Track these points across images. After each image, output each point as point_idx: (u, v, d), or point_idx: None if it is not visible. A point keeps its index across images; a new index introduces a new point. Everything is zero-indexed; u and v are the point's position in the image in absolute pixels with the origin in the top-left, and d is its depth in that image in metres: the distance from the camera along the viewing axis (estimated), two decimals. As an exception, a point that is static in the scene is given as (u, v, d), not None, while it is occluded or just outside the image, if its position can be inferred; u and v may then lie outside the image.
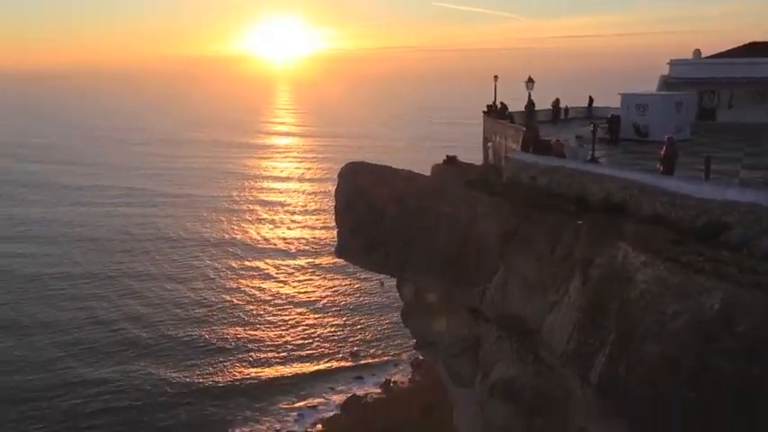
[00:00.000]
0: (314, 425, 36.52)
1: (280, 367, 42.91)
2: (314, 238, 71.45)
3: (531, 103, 37.29)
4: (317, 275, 59.59)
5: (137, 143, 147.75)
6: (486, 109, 41.57)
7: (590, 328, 16.01)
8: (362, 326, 49.09)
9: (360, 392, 39.43)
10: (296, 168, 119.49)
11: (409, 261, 25.26)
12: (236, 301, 53.32)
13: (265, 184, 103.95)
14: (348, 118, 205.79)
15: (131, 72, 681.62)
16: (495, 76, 41.21)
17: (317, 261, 63.19)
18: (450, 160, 33.59)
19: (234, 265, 62.44)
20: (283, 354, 44.68)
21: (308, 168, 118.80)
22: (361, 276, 55.55)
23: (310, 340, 46.69)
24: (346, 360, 44.05)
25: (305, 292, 55.75)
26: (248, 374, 41.82)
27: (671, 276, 14.27)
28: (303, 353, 44.88)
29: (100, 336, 46.38)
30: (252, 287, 56.74)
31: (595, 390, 15.20)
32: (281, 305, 52.88)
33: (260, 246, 69.10)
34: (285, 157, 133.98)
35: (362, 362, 43.84)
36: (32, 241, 68.85)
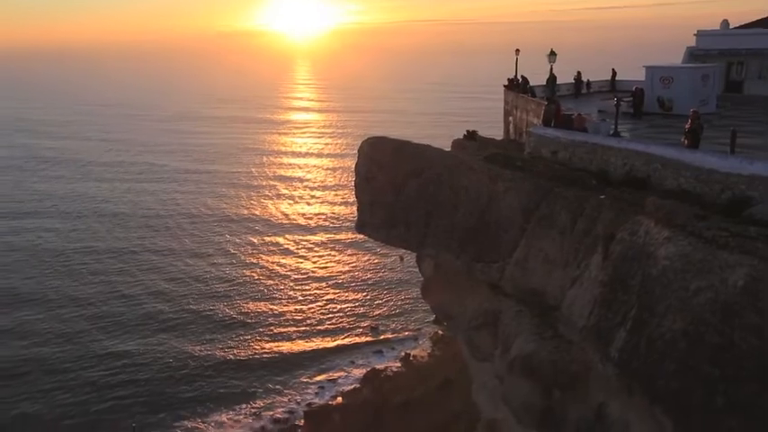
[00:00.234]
0: (334, 397, 36.94)
1: (300, 341, 43.33)
2: (333, 213, 71.63)
3: (552, 77, 36.74)
4: (337, 251, 59.82)
5: (155, 120, 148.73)
6: (507, 83, 41.10)
7: (611, 304, 15.91)
8: (382, 301, 49.31)
9: (379, 366, 39.73)
10: (315, 144, 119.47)
11: (429, 236, 25.19)
12: (256, 277, 53.78)
13: (285, 160, 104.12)
14: (369, 93, 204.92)
15: (144, 49, 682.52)
16: (517, 50, 40.72)
17: (337, 237, 63.40)
18: (471, 135, 33.34)
19: (254, 240, 62.88)
20: (303, 328, 45.09)
21: (328, 144, 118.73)
22: (381, 252, 55.73)
23: (330, 315, 47.03)
24: (366, 335, 44.35)
25: (324, 268, 56.04)
26: (269, 348, 42.31)
27: (694, 252, 14.09)
28: (323, 327, 45.26)
29: (124, 309, 47.16)
30: (272, 262, 57.15)
31: (615, 365, 15.13)
32: (300, 280, 53.25)
33: (280, 221, 69.45)
34: (304, 133, 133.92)
35: (382, 336, 44.11)
36: (57, 216, 69.88)
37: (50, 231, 64.55)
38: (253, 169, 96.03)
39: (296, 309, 48.00)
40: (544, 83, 37.17)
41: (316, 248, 60.78)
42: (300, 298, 49.85)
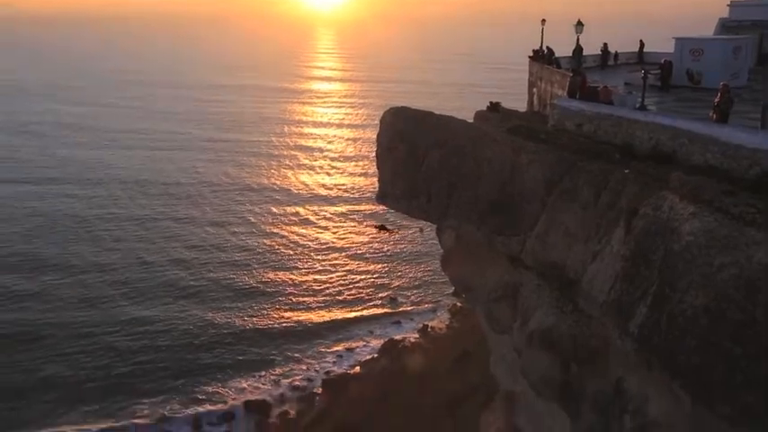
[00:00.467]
0: (352, 366, 37.34)
1: (319, 311, 43.70)
2: (354, 184, 71.65)
3: (578, 48, 36.00)
4: (357, 221, 59.94)
5: (175, 87, 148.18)
6: (531, 54, 40.39)
7: (632, 279, 15.75)
8: (401, 272, 49.46)
9: (398, 337, 40.00)
10: (336, 114, 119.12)
11: (451, 207, 25.05)
12: (276, 246, 54.13)
13: (306, 130, 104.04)
14: (395, 63, 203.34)
15: (159, 15, 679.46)
16: (543, 20, 39.89)
17: (357, 207, 63.49)
18: (494, 107, 32.90)
19: (274, 210, 63.17)
20: (323, 298, 45.43)
21: (349, 114, 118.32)
22: (401, 223, 55.74)
23: (349, 286, 47.31)
24: (385, 306, 44.61)
25: (344, 239, 56.25)
26: (288, 317, 42.73)
27: (719, 228, 13.86)
28: (342, 297, 45.57)
29: (146, 275, 47.78)
30: (292, 232, 57.44)
31: (635, 340, 15.04)
32: (320, 251, 53.51)
33: (300, 191, 69.63)
34: (325, 102, 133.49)
35: (401, 308, 44.34)
36: (79, 183, 70.52)
37: (73, 197, 65.23)
38: (273, 138, 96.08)
39: (315, 279, 48.32)
40: (570, 54, 36.47)
41: (336, 219, 60.94)
42: (320, 268, 50.14)
